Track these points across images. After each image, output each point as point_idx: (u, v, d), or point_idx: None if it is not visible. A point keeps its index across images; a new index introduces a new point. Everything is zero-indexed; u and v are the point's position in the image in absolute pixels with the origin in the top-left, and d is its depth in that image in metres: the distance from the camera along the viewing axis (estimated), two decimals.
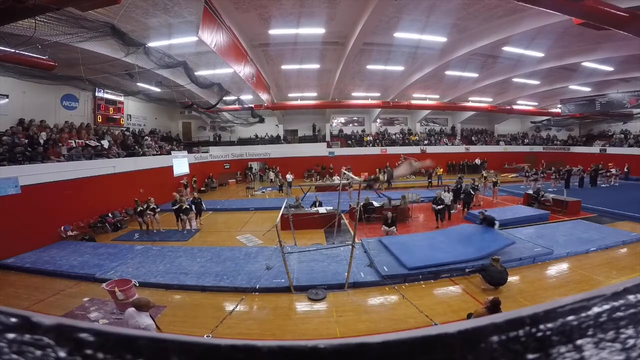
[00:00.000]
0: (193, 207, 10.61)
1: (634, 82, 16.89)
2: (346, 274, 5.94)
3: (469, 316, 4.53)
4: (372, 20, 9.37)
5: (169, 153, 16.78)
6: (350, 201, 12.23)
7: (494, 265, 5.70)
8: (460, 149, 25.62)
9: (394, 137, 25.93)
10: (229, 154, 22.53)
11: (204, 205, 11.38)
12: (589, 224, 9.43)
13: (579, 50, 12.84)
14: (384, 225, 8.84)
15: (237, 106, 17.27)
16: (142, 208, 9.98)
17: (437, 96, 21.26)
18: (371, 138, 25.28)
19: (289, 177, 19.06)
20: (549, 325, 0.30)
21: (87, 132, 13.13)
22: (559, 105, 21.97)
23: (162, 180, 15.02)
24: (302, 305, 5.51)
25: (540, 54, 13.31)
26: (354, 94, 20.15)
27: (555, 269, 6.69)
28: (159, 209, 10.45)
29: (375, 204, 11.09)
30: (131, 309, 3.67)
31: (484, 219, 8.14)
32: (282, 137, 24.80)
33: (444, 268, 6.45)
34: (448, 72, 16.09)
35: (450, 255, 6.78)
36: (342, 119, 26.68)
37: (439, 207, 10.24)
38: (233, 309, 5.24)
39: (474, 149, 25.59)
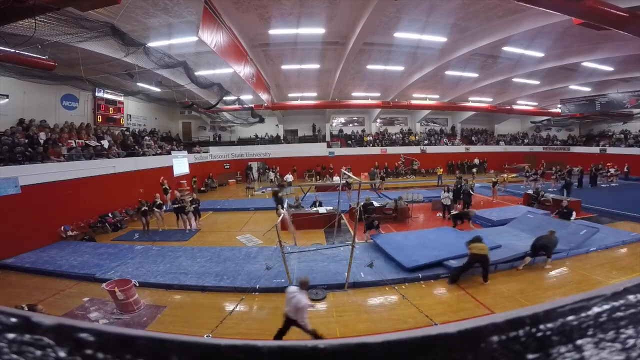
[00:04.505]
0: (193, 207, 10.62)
1: (634, 82, 16.88)
2: (346, 274, 5.94)
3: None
4: (372, 20, 9.37)
5: (169, 153, 16.77)
6: (350, 201, 12.23)
7: None
8: (460, 149, 25.63)
9: (394, 137, 25.94)
10: (229, 154, 22.52)
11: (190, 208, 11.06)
12: (588, 224, 9.43)
13: (579, 50, 12.84)
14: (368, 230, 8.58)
15: (237, 106, 17.26)
16: (146, 207, 9.97)
17: (437, 96, 21.26)
18: (371, 138, 25.28)
19: (289, 177, 19.05)
20: (549, 325, 0.30)
21: (87, 132, 13.13)
22: (559, 105, 21.97)
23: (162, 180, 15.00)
24: None
25: (540, 54, 13.31)
26: (354, 94, 20.15)
27: (555, 269, 6.69)
28: (164, 206, 10.44)
29: (376, 203, 11.09)
30: (294, 287, 4.04)
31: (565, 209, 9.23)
32: (282, 137, 24.80)
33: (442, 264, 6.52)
34: (448, 72, 16.09)
35: (444, 252, 6.85)
36: (342, 119, 26.69)
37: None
38: (233, 309, 5.24)
39: (474, 149, 25.59)
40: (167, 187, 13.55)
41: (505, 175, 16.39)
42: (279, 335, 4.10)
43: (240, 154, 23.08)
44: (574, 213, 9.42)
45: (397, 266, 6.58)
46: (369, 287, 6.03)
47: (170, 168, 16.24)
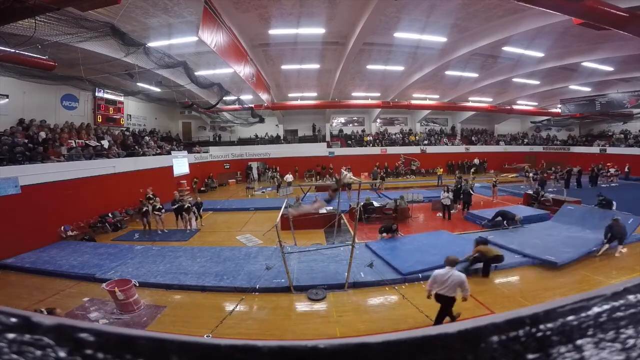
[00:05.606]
0: (195, 208, 10.63)
1: (634, 82, 16.89)
2: (346, 274, 5.94)
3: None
4: (372, 20, 9.37)
5: (169, 153, 16.77)
6: (350, 201, 12.22)
7: None
8: (460, 149, 25.63)
9: (394, 137, 25.94)
10: (229, 154, 22.53)
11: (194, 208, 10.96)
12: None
13: (579, 50, 12.84)
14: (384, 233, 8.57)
15: (237, 106, 17.26)
16: (147, 208, 9.95)
17: (437, 96, 21.26)
18: (371, 138, 25.28)
19: (289, 177, 19.04)
20: (549, 325, 0.30)
21: (87, 132, 13.13)
22: (559, 105, 21.97)
23: (162, 181, 15.00)
24: (302, 305, 5.51)
25: (540, 54, 13.31)
26: (354, 94, 20.15)
27: (555, 269, 6.68)
28: (163, 209, 10.43)
29: (376, 204, 11.10)
30: (442, 270, 4.38)
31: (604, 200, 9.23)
32: (282, 137, 24.81)
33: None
34: (448, 72, 16.10)
35: (438, 257, 6.82)
36: (342, 119, 26.69)
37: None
38: (233, 309, 5.24)
39: (474, 149, 25.59)
40: (153, 196, 10.94)
41: (531, 175, 15.95)
42: (441, 318, 4.54)
43: (240, 154, 23.08)
44: (614, 202, 9.32)
45: (394, 270, 6.59)
46: (369, 287, 6.03)
47: (170, 169, 16.24)
